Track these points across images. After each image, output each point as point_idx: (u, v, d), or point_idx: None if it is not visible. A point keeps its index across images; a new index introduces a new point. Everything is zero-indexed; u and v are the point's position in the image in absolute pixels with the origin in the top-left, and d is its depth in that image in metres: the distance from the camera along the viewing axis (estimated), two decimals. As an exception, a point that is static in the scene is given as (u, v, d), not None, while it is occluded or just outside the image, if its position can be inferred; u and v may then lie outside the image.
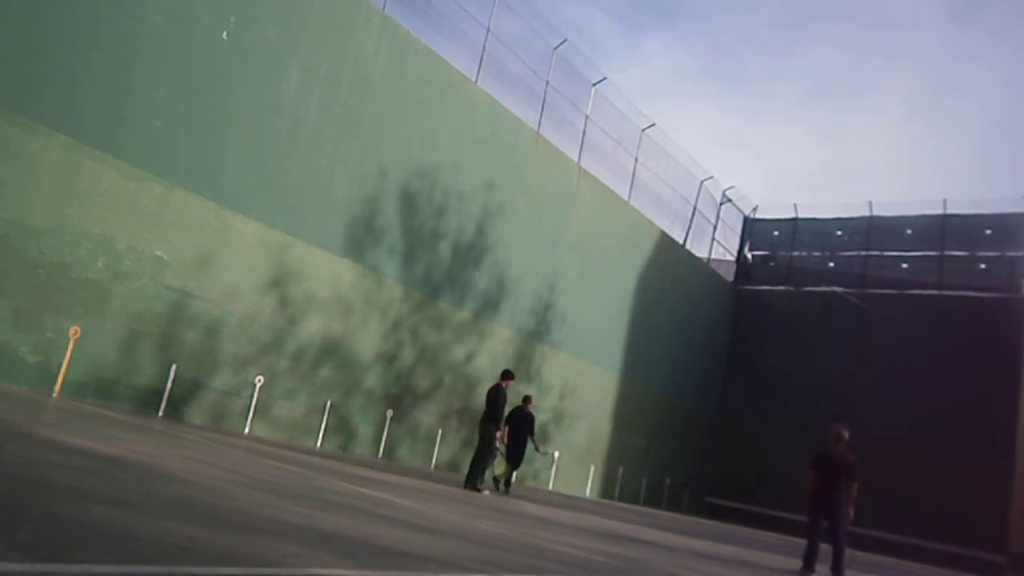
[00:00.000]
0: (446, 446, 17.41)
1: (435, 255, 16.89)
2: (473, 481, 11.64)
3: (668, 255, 25.52)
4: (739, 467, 28.11)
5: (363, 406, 15.43)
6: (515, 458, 13.91)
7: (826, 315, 28.19)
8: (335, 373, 14.77)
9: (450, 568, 4.19)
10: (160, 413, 11.93)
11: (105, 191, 11.18)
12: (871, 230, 29.05)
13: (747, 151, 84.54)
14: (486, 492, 11.59)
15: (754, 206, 31.91)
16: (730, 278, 30.85)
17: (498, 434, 11.79)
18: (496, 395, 11.89)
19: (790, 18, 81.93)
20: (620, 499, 23.53)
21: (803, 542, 9.81)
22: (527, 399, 14.39)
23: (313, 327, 14.28)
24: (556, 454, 15.50)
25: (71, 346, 10.76)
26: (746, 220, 31.81)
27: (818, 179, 77.76)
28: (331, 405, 14.66)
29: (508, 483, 13.69)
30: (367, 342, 15.39)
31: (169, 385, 12.05)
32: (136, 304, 11.61)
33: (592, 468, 22.38)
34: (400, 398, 16.20)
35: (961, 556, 23.05)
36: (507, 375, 12.25)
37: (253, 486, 5.99)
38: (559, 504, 14.12)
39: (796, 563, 9.90)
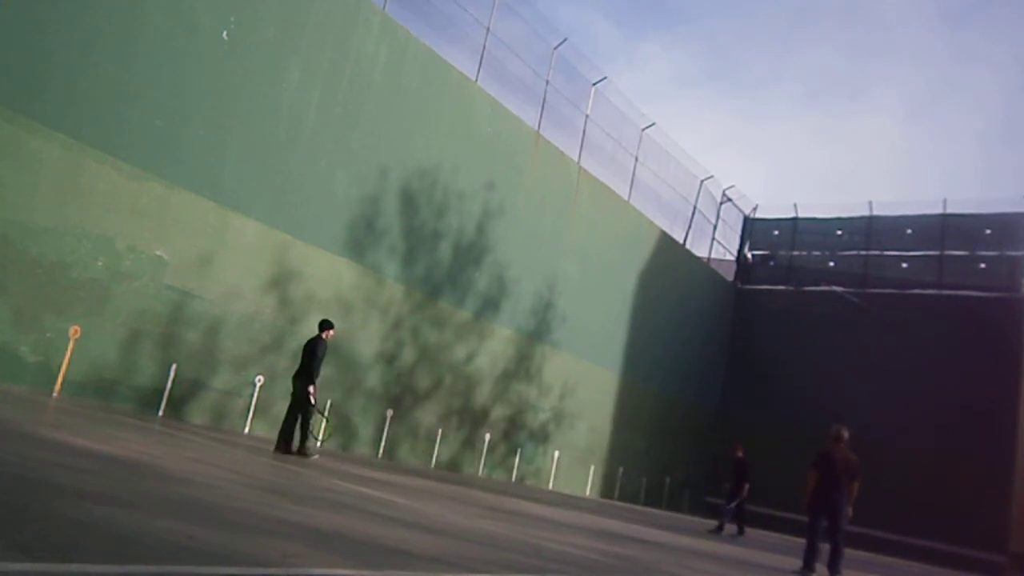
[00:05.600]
0: (446, 446, 17.41)
1: (435, 255, 16.89)
2: (303, 445, 10.40)
3: (668, 255, 25.51)
4: (730, 465, 28.04)
5: (363, 406, 15.43)
6: (738, 509, 15.98)
7: (826, 315, 28.15)
8: (335, 373, 14.77)
9: (450, 568, 4.19)
10: (160, 413, 11.93)
11: (105, 191, 11.18)
12: (871, 230, 29.02)
13: (747, 152, 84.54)
14: (315, 457, 10.51)
15: (754, 206, 31.89)
16: (730, 278, 30.83)
17: (311, 388, 10.39)
18: (315, 348, 10.56)
19: (788, 20, 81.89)
20: (620, 499, 23.53)
21: (803, 542, 9.82)
22: (739, 445, 16.36)
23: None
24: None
25: (71, 346, 10.76)
26: (746, 220, 31.79)
27: (818, 179, 77.76)
28: (331, 405, 14.66)
29: (721, 527, 15.85)
30: (367, 342, 15.39)
31: (169, 385, 12.05)
32: (136, 304, 11.61)
33: (592, 468, 22.38)
34: (400, 398, 16.20)
35: (961, 556, 23.04)
36: (327, 325, 10.92)
37: (253, 485, 6.00)
38: (559, 504, 14.12)
39: (796, 563, 9.90)
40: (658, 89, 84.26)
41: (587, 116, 21.81)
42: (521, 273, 19.22)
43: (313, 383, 10.43)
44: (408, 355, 16.35)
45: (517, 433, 19.54)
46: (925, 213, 27.90)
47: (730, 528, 16.46)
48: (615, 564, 6.27)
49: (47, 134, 10.52)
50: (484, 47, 18.29)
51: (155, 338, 11.89)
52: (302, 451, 10.39)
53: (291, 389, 10.73)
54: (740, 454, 16.17)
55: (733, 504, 16.04)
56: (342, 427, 15.05)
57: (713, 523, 16.85)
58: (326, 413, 10.73)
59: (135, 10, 11.45)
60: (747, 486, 15.89)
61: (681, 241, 26.72)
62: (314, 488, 6.91)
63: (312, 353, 10.52)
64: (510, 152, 18.89)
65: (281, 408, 13.77)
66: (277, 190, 13.64)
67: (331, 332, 10.90)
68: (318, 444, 11.90)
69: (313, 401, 10.49)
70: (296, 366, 10.86)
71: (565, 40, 20.55)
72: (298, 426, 10.47)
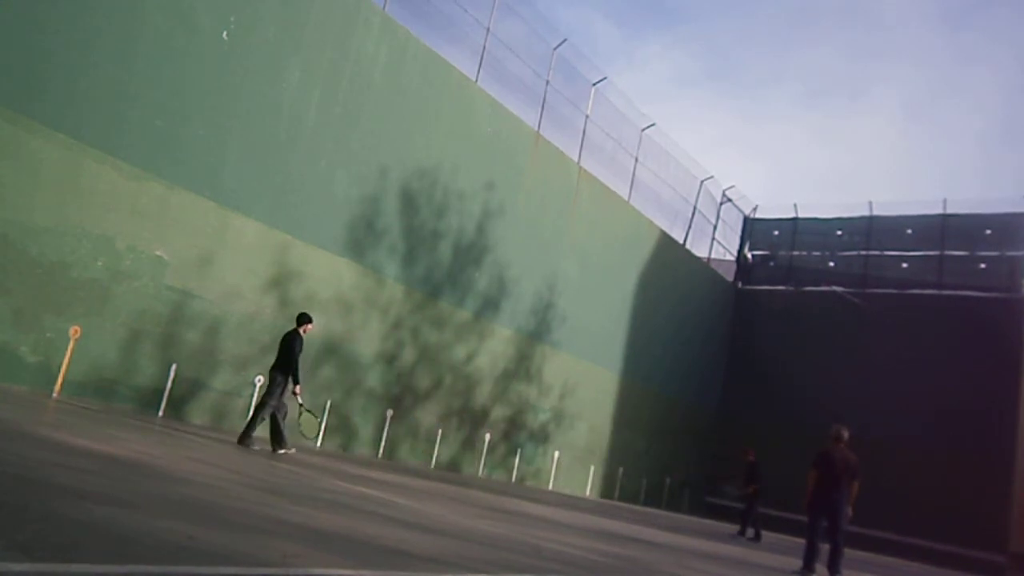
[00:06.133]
0: (446, 446, 17.41)
1: (435, 255, 16.89)
2: (248, 434, 10.09)
3: (668, 255, 25.51)
4: (739, 467, 28.07)
5: (363, 406, 15.43)
6: (746, 509, 16.40)
7: (826, 315, 28.14)
8: (335, 373, 14.77)
9: (450, 568, 4.19)
10: (160, 413, 11.94)
11: (105, 191, 11.18)
12: (871, 230, 29.01)
13: (747, 152, 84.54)
14: (256, 448, 10.11)
15: (754, 206, 31.89)
16: (730, 278, 30.84)
17: (298, 389, 10.29)
18: (293, 343, 10.30)
19: (787, 21, 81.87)
20: (620, 499, 23.53)
21: (803, 542, 9.82)
22: (749, 449, 16.92)
23: (313, 327, 14.25)
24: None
25: (71, 346, 10.76)
26: (746, 220, 31.79)
27: (818, 179, 77.75)
28: (331, 405, 14.66)
29: (758, 535, 16.02)
30: (367, 342, 15.39)
31: (169, 385, 12.05)
32: (136, 304, 11.61)
33: (592, 468, 22.38)
34: (400, 398, 16.20)
35: (961, 556, 23.04)
36: (305, 319, 10.69)
37: (253, 485, 5.99)
38: (559, 504, 14.12)
39: (796, 563, 9.90)
40: (658, 89, 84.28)
41: (587, 116, 21.81)
42: (521, 273, 19.22)
43: (297, 382, 10.30)
44: (408, 355, 16.34)
45: (517, 433, 19.54)
46: (925, 213, 27.89)
47: (730, 528, 16.70)
48: (615, 564, 6.27)
49: (47, 134, 10.52)
50: (484, 47, 18.29)
51: (155, 338, 11.89)
52: (244, 441, 10.03)
53: (267, 383, 10.50)
54: (751, 458, 16.54)
55: (748, 505, 16.60)
56: (342, 427, 15.06)
57: (740, 529, 16.97)
58: (307, 407, 10.65)
59: (135, 10, 11.44)
60: (753, 487, 16.22)
61: (681, 241, 26.72)
62: (314, 488, 6.91)
63: (290, 349, 10.30)
64: (510, 152, 18.89)
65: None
66: (277, 190, 13.64)
67: (309, 326, 10.72)
68: (309, 442, 11.61)
69: (300, 400, 10.45)
70: (274, 360, 10.58)
71: (565, 40, 20.55)
72: (251, 415, 10.29)
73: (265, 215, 13.41)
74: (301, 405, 10.53)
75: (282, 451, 10.18)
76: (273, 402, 10.17)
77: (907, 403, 25.37)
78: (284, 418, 10.33)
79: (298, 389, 10.30)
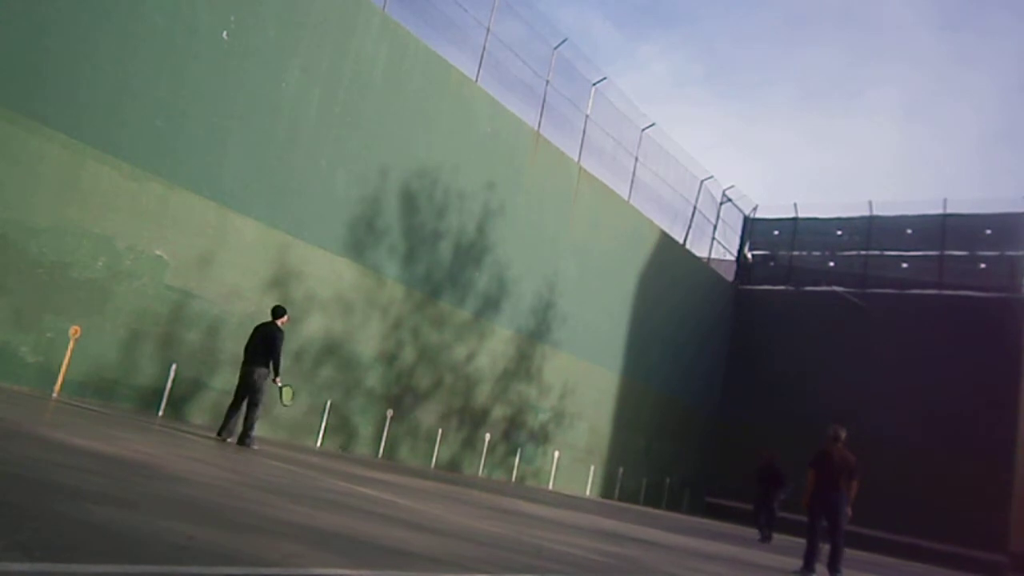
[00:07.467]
0: (446, 446, 17.41)
1: (435, 255, 16.89)
2: (247, 434, 10.08)
3: (668, 255, 25.50)
4: (739, 467, 28.06)
5: (363, 406, 15.43)
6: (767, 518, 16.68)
7: (826, 315, 28.12)
8: (335, 373, 14.77)
9: (450, 568, 4.19)
10: (160, 413, 11.93)
11: (105, 191, 11.18)
12: (871, 230, 29.00)
13: (747, 152, 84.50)
14: (256, 447, 10.09)
15: (754, 206, 31.88)
16: (730, 278, 30.83)
17: (278, 380, 10.34)
18: (277, 338, 10.31)
19: (787, 22, 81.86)
20: (620, 499, 23.53)
21: (803, 542, 9.83)
22: (769, 451, 17.43)
23: (314, 327, 14.27)
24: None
25: (71, 346, 10.76)
26: (746, 220, 31.78)
27: (818, 179, 77.71)
28: (331, 405, 14.66)
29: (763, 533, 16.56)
30: (368, 342, 15.39)
31: (169, 385, 12.05)
32: (136, 304, 11.61)
33: (592, 468, 22.38)
34: (400, 398, 16.19)
35: (961, 556, 23.03)
36: (281, 312, 10.65)
37: (254, 485, 5.99)
38: (559, 504, 14.12)
39: (796, 563, 9.90)
40: (658, 90, 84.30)
41: (587, 116, 21.80)
42: (521, 273, 19.22)
43: (278, 374, 10.35)
44: (408, 355, 16.34)
45: (517, 433, 19.53)
46: (925, 213, 27.88)
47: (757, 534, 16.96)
48: (615, 564, 6.27)
49: (47, 134, 10.52)
50: (484, 47, 18.29)
51: (155, 338, 11.89)
52: (243, 441, 10.02)
53: (241, 375, 10.43)
54: (767, 459, 17.07)
55: (763, 506, 16.88)
56: (342, 427, 15.05)
57: (766, 533, 17.02)
58: (283, 385, 10.71)
59: (135, 10, 11.44)
60: (764, 488, 16.64)
61: (681, 241, 26.72)
62: (314, 488, 6.92)
63: (273, 344, 10.30)
64: (510, 152, 18.89)
65: (281, 409, 13.79)
66: (277, 190, 13.64)
67: (286, 318, 10.76)
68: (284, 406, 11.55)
69: (279, 383, 10.47)
70: (250, 353, 10.47)
71: (565, 40, 20.55)
72: (244, 416, 10.25)
73: (265, 215, 13.41)
74: (280, 387, 10.56)
75: (225, 439, 10.17)
76: (263, 399, 10.30)
77: (907, 403, 25.36)
78: (237, 413, 10.36)
79: (278, 380, 10.42)
